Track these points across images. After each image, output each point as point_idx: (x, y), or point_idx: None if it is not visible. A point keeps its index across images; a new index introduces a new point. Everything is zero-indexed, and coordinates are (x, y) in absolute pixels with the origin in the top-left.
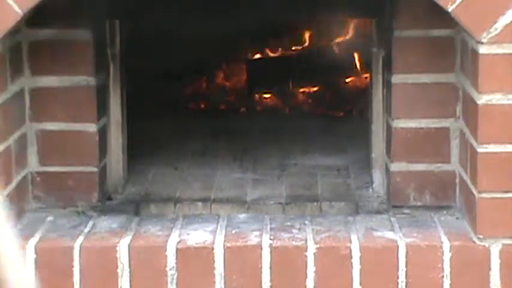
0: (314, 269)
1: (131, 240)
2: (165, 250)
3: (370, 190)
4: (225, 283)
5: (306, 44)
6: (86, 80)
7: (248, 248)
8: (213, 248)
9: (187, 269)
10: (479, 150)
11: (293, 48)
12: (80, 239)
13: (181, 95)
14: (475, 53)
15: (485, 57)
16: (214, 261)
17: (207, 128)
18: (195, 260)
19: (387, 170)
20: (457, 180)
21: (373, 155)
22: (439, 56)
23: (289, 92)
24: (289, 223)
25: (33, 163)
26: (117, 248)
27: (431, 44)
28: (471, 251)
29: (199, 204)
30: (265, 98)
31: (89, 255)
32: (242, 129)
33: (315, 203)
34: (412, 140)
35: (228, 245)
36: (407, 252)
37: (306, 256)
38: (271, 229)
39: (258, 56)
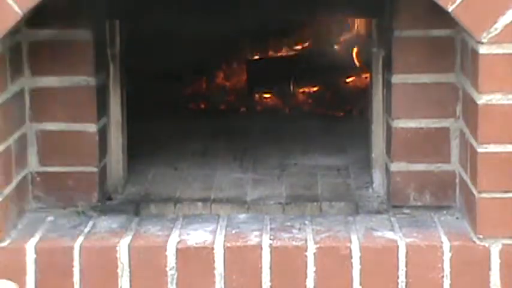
0: (314, 269)
1: (131, 240)
2: (165, 250)
3: (370, 190)
4: (225, 283)
5: (306, 44)
6: (86, 80)
7: (248, 248)
8: (213, 248)
9: (187, 269)
10: (479, 150)
11: (293, 48)
12: (80, 239)
13: (181, 95)
14: (475, 53)
15: (485, 57)
16: (214, 261)
17: (207, 128)
18: (195, 260)
19: (387, 170)
20: (457, 180)
21: (373, 155)
22: (439, 56)
23: (289, 92)
24: (289, 223)
25: (33, 163)
26: (117, 248)
27: (431, 44)
28: (471, 251)
29: (199, 204)
30: (265, 98)
31: (89, 255)
32: (242, 129)
33: (315, 203)
34: (412, 140)
35: (228, 245)
36: (407, 252)
37: (306, 256)
38: (271, 229)
39: (258, 56)
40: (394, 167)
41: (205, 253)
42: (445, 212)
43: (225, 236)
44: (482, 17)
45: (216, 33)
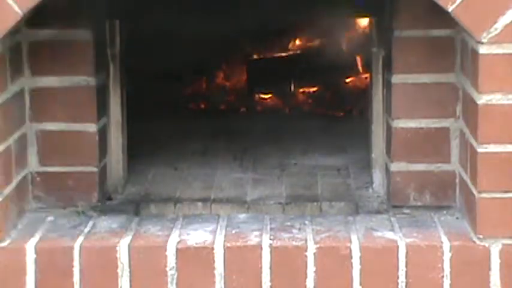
0: (314, 269)
1: (131, 240)
2: (165, 250)
3: (370, 190)
4: (225, 283)
5: (306, 44)
6: (86, 80)
7: (248, 248)
8: (213, 248)
9: (187, 269)
10: (479, 150)
11: (293, 48)
12: (80, 239)
13: (181, 95)
14: (475, 53)
15: (485, 57)
16: (214, 261)
17: (207, 128)
18: (195, 260)
19: (387, 170)
20: (457, 180)
21: (373, 155)
22: (439, 56)
23: (289, 92)
24: (289, 223)
25: (33, 163)
26: (117, 248)
27: (431, 44)
28: (471, 251)
29: (199, 204)
30: (265, 98)
31: (89, 255)
32: (242, 129)
33: (315, 203)
34: (412, 140)
35: (228, 245)
36: (407, 252)
37: (306, 256)
38: (271, 229)
39: (258, 56)
40: (394, 167)
41: (205, 253)
42: (445, 212)
43: (225, 236)
44: (482, 17)
45: (216, 33)
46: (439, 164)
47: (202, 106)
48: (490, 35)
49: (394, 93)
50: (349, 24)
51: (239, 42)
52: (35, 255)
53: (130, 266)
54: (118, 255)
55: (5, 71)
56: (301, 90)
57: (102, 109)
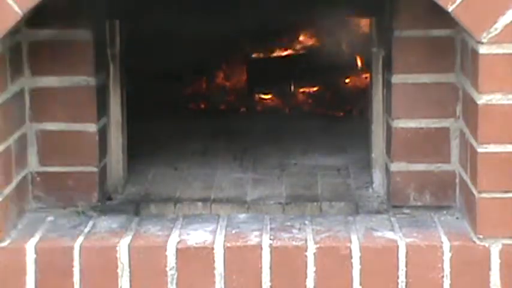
0: (314, 269)
1: (131, 240)
2: (165, 250)
3: (370, 190)
4: (225, 283)
5: (306, 44)
6: (86, 80)
7: (248, 248)
8: (213, 248)
9: (187, 269)
10: (479, 150)
11: (293, 48)
12: (80, 239)
13: (181, 95)
14: (475, 53)
15: (485, 57)
16: (214, 261)
17: (207, 128)
18: (195, 260)
19: (387, 170)
20: (457, 180)
21: (373, 155)
22: (439, 56)
23: (289, 92)
24: (289, 223)
25: (33, 163)
26: (117, 248)
27: (431, 44)
28: (471, 251)
29: (199, 204)
30: (265, 98)
31: (89, 255)
32: (242, 129)
33: (315, 203)
34: (412, 140)
35: (228, 245)
36: (407, 252)
37: (306, 256)
38: (271, 229)
39: (258, 56)
40: (394, 167)
41: (205, 253)
42: (445, 212)
43: (225, 236)
44: (482, 17)
45: (216, 33)
46: (439, 164)
47: (202, 106)
48: (490, 35)
49: (394, 93)
50: (349, 24)
51: (239, 42)
52: (35, 255)
53: (130, 266)
54: (118, 255)
55: (5, 71)
56: (301, 90)
57: (102, 109)
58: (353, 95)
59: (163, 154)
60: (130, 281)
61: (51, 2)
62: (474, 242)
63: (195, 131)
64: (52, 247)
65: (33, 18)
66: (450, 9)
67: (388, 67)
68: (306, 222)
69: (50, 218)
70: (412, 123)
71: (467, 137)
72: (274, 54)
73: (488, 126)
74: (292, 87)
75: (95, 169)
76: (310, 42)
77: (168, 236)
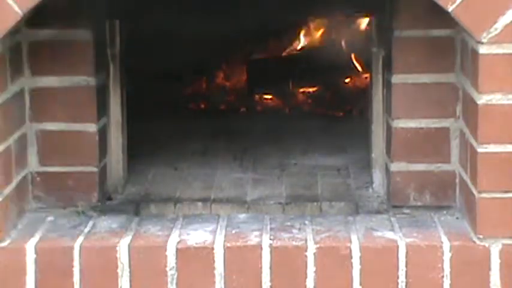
0: (314, 269)
1: (131, 240)
2: (165, 250)
3: (370, 190)
4: (225, 283)
5: (306, 44)
6: (86, 80)
7: (248, 248)
8: (213, 248)
9: (187, 269)
10: (479, 150)
11: (293, 48)
12: (80, 239)
13: (181, 95)
14: (475, 53)
15: (485, 57)
16: (214, 261)
17: (207, 128)
18: (195, 260)
19: (387, 170)
20: (457, 180)
21: (373, 155)
22: (439, 56)
23: (289, 92)
24: (289, 223)
25: (33, 163)
26: (117, 248)
27: (431, 44)
28: (471, 251)
29: (199, 204)
30: (265, 98)
31: (89, 255)
32: (242, 129)
33: (315, 203)
34: (412, 140)
35: (228, 245)
36: (407, 252)
37: (306, 256)
38: (271, 229)
39: (258, 56)
40: (394, 167)
41: (205, 253)
42: (445, 212)
43: (225, 236)
44: (482, 17)
45: (216, 33)
46: (439, 164)
47: (202, 106)
48: (490, 35)
49: (394, 93)
50: (349, 24)
51: (239, 42)
52: (35, 255)
53: (130, 266)
54: (118, 255)
55: (5, 71)
56: (301, 90)
57: (102, 109)
58: (353, 95)
59: (163, 154)
60: (130, 281)
61: (51, 2)
62: (474, 242)
63: (195, 131)
64: (52, 247)
65: (33, 18)
66: (450, 9)
67: (388, 67)
68: (306, 222)
69: (50, 218)
70: (412, 123)
71: (467, 137)
72: (274, 54)
73: (488, 126)
74: (292, 87)
75: (95, 169)
76: (310, 42)
77: (168, 236)
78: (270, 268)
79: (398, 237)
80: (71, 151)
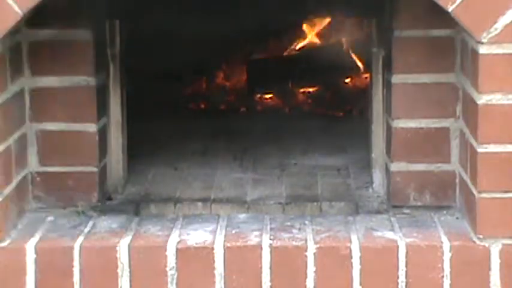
0: (314, 269)
1: (131, 240)
2: (165, 250)
3: (370, 190)
4: (225, 283)
5: (306, 43)
6: (86, 80)
7: (248, 248)
8: (213, 248)
9: (187, 269)
10: (479, 150)
11: (293, 48)
12: (80, 239)
13: (181, 95)
14: (475, 53)
15: (485, 57)
16: (214, 261)
17: (207, 128)
18: (195, 260)
19: (387, 170)
20: (457, 180)
21: (373, 155)
22: (439, 56)
23: (289, 92)
24: (289, 223)
25: (33, 163)
26: (117, 248)
27: (431, 44)
28: (471, 251)
29: (199, 204)
30: (265, 98)
31: (89, 255)
32: (242, 129)
33: (315, 203)
34: (412, 140)
35: (228, 245)
36: (407, 252)
37: (306, 256)
38: (271, 229)
39: (258, 56)
40: (394, 167)
41: (205, 253)
42: (445, 212)
43: (225, 236)
44: (482, 17)
45: (216, 33)
46: (439, 164)
47: (202, 106)
48: (490, 35)
49: (394, 93)
50: (349, 24)
51: (239, 42)
52: (35, 255)
53: (130, 266)
54: (118, 255)
55: (5, 71)
56: (301, 90)
57: (102, 109)
58: (353, 95)
59: (163, 154)
60: (130, 281)
61: (51, 2)
62: (474, 242)
63: (195, 131)
64: (52, 247)
65: (33, 18)
66: (450, 9)
67: (388, 67)
68: (306, 222)
69: (50, 218)
70: (412, 123)
71: (467, 137)
72: (274, 54)
73: (488, 126)
74: (292, 87)
75: (95, 169)
76: (310, 42)
77: (168, 236)
78: (270, 268)
79: (398, 237)
80: (71, 151)
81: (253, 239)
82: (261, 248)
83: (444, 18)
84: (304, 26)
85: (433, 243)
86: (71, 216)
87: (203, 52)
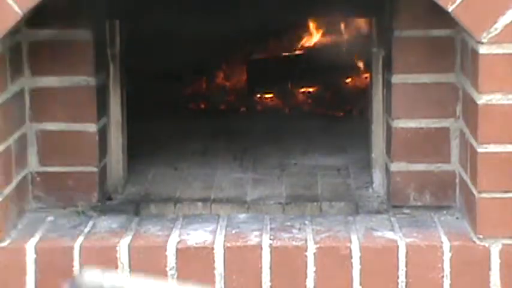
0: (314, 269)
1: (131, 240)
2: (165, 250)
3: (370, 190)
4: (225, 283)
5: (306, 44)
6: (86, 80)
7: (248, 248)
8: (213, 248)
9: (187, 269)
10: (479, 150)
11: (293, 48)
12: (80, 239)
13: (181, 95)
14: (475, 53)
15: (485, 57)
16: (214, 261)
17: (207, 128)
18: (195, 260)
19: (387, 170)
20: (457, 180)
21: (373, 155)
22: (439, 56)
23: (289, 92)
24: (289, 223)
25: (33, 163)
26: (117, 248)
27: (431, 44)
28: (471, 251)
29: (199, 204)
30: (265, 98)
31: (89, 255)
32: (242, 129)
33: (315, 203)
34: (412, 140)
35: (228, 245)
36: (407, 252)
37: (306, 256)
38: (271, 229)
39: (258, 56)
40: (394, 167)
41: (205, 253)
42: (445, 212)
43: (225, 236)
44: (482, 17)
45: (216, 33)
46: (439, 164)
47: (202, 106)
48: (490, 35)
49: (394, 93)
50: (349, 24)
51: (239, 42)
52: (35, 255)
53: (130, 266)
54: (118, 255)
55: (5, 71)
56: (301, 90)
57: (102, 109)
58: (353, 95)
59: (163, 154)
60: None
61: (51, 2)
62: (474, 242)
63: (195, 131)
64: (52, 247)
65: (33, 18)
66: (450, 9)
67: (388, 67)
68: (306, 222)
69: (50, 218)
70: (412, 123)
71: (467, 137)
72: (274, 54)
73: (488, 126)
74: (292, 87)
75: (95, 169)
76: (310, 42)
77: (168, 236)
78: (270, 268)
79: (398, 237)
80: (71, 151)
81: (253, 239)
82: (261, 248)
83: (444, 18)
84: (304, 26)
85: (433, 243)
86: (71, 216)
87: (203, 52)
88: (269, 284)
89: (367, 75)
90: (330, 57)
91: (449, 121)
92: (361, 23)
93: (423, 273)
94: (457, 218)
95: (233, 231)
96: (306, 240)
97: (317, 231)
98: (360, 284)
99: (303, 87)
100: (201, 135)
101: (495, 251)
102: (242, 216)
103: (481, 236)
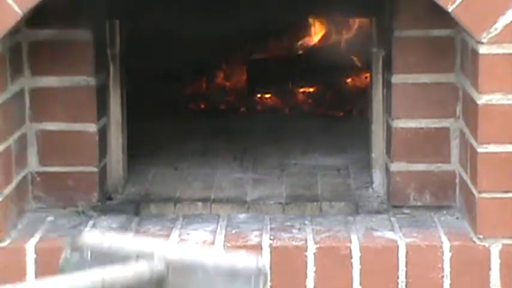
0: (314, 269)
1: None
2: None
3: (370, 190)
4: None
5: (306, 44)
6: (86, 80)
7: (248, 248)
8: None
9: None
10: (479, 150)
11: (293, 48)
12: None
13: (181, 95)
14: (475, 53)
15: (485, 57)
16: None
17: (207, 128)
18: None
19: (387, 170)
20: (457, 180)
21: (373, 155)
22: (439, 56)
23: (289, 92)
24: (289, 223)
25: (33, 163)
26: None
27: (431, 44)
28: (471, 251)
29: (199, 204)
30: (265, 98)
31: None
32: (242, 129)
33: (315, 203)
34: (412, 140)
35: (228, 245)
36: (407, 252)
37: (306, 256)
38: (271, 229)
39: (258, 56)
40: (394, 167)
41: None
42: (445, 212)
43: (225, 236)
44: (482, 17)
45: (216, 33)
46: (439, 164)
47: (202, 106)
48: (490, 35)
49: (394, 93)
50: (349, 24)
51: (239, 42)
52: (35, 255)
53: None
54: None
55: (5, 71)
56: (301, 90)
57: (102, 109)
58: (353, 95)
59: (163, 154)
60: None
61: (51, 2)
62: (474, 242)
63: (195, 131)
64: (52, 247)
65: (33, 18)
66: (450, 9)
67: (388, 67)
68: (306, 222)
69: (50, 218)
70: (412, 123)
71: (467, 137)
72: (274, 54)
73: (488, 126)
74: (292, 87)
75: (95, 169)
76: (310, 42)
77: (168, 236)
78: (270, 268)
79: (398, 237)
80: (71, 151)
81: (253, 239)
82: (261, 248)
83: (444, 18)
84: (305, 26)
85: (433, 243)
86: (71, 216)
87: (203, 52)
88: (269, 284)
89: (367, 75)
90: (330, 57)
91: (449, 121)
92: (361, 22)
93: (423, 273)
94: (457, 218)
95: (233, 231)
96: (306, 240)
97: (317, 231)
98: (360, 284)
99: (303, 87)
100: (201, 135)
101: (495, 251)
102: (242, 216)
103: (481, 236)
